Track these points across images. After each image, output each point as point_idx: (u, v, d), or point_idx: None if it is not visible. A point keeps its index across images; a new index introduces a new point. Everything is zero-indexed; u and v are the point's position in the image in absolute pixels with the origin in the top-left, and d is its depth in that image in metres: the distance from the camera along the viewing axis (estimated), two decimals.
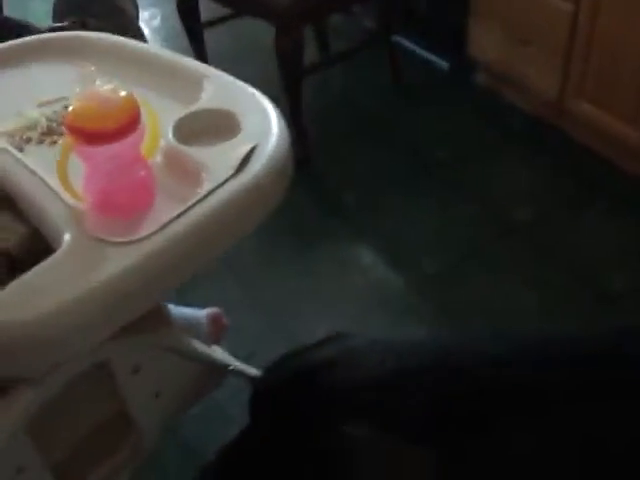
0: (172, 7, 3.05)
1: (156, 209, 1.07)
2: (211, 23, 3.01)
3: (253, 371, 1.52)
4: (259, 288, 2.27)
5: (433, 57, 3.25)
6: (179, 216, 1.01)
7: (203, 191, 1.05)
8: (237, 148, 1.12)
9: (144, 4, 3.54)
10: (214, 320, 1.65)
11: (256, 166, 1.10)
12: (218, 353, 1.49)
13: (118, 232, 1.01)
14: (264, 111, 1.22)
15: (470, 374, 1.12)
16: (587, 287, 2.29)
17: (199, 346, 1.36)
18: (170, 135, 1.16)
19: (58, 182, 1.07)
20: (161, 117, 1.19)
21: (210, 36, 3.03)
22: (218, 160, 1.10)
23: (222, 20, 3.05)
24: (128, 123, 0.99)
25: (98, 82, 1.02)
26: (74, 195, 1.05)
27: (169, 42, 3.44)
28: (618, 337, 1.19)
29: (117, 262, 0.96)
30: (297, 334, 2.15)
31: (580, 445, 1.05)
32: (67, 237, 0.99)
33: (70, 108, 1.01)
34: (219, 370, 1.48)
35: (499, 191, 2.64)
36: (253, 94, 1.27)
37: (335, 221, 2.53)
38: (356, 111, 3.02)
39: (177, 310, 1.48)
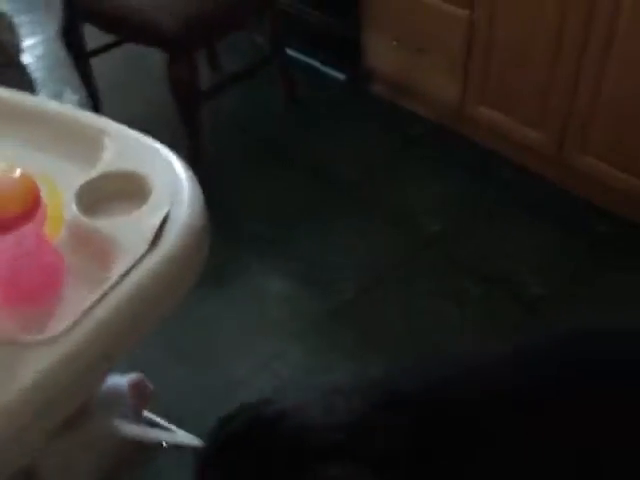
0: (55, 34, 2.90)
1: (69, 296, 0.97)
2: (97, 51, 2.86)
3: (191, 440, 1.42)
4: (178, 337, 2.16)
5: (328, 70, 3.18)
6: (97, 303, 0.91)
7: (118, 272, 0.95)
8: (148, 217, 1.03)
9: (25, 32, 3.38)
10: (137, 388, 1.54)
11: (171, 236, 1.01)
12: (150, 431, 1.39)
13: (29, 329, 0.91)
14: (172, 169, 1.13)
15: (435, 404, 1.09)
16: (507, 295, 2.27)
17: (128, 428, 1.26)
18: (73, 207, 1.05)
19: None
20: (61, 184, 1.08)
21: (97, 62, 2.89)
22: (130, 233, 1.01)
23: (108, 47, 2.90)
24: (28, 208, 0.89)
25: None
26: None
27: (54, 71, 3.29)
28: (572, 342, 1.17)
29: (32, 367, 0.85)
30: (223, 380, 2.06)
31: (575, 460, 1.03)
32: None
33: None
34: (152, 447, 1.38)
35: (410, 204, 2.61)
36: (158, 151, 1.17)
37: (246, 253, 2.43)
38: (254, 134, 2.94)
39: None
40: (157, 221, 1.00)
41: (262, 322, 2.24)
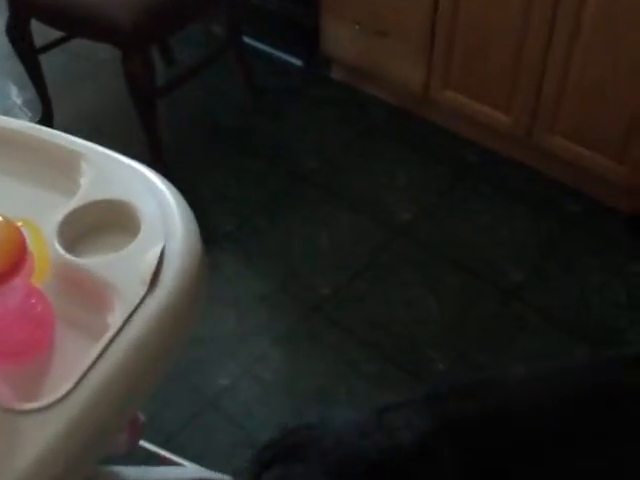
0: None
1: (63, 348, 0.88)
2: (45, 48, 2.73)
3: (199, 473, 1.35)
4: None
5: (286, 56, 3.08)
6: (98, 359, 0.82)
7: (117, 320, 0.86)
8: (141, 253, 0.94)
9: None
10: (130, 425, 1.45)
11: (170, 275, 0.92)
12: (155, 471, 1.31)
13: (24, 392, 0.82)
14: (159, 194, 1.04)
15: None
16: (485, 282, 2.23)
17: (131, 474, 1.18)
18: (57, 245, 0.96)
19: None
20: (38, 219, 0.99)
21: (45, 58, 2.76)
22: (123, 273, 0.92)
23: (58, 43, 2.78)
24: (14, 262, 0.80)
25: None
26: None
27: (0, 70, 3.13)
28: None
29: (33, 440, 0.77)
30: (206, 389, 1.99)
31: None
32: None
33: None
34: None
35: (377, 192, 2.55)
36: (142, 173, 1.08)
37: (217, 253, 2.35)
38: (213, 127, 2.85)
39: None
40: (153, 259, 0.92)
41: (240, 325, 2.16)
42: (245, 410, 1.97)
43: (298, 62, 3.07)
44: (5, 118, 1.21)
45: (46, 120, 2.79)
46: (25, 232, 0.85)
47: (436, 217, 2.45)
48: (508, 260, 2.31)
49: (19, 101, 2.99)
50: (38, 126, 1.18)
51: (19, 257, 0.81)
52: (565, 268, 2.28)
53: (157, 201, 1.03)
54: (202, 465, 1.72)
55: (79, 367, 0.82)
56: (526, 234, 2.39)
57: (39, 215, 0.99)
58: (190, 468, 1.47)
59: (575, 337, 2.11)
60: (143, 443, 1.51)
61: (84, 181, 1.08)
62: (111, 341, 0.85)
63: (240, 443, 1.89)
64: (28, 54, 2.67)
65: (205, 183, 2.60)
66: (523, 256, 2.32)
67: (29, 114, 2.90)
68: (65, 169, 1.10)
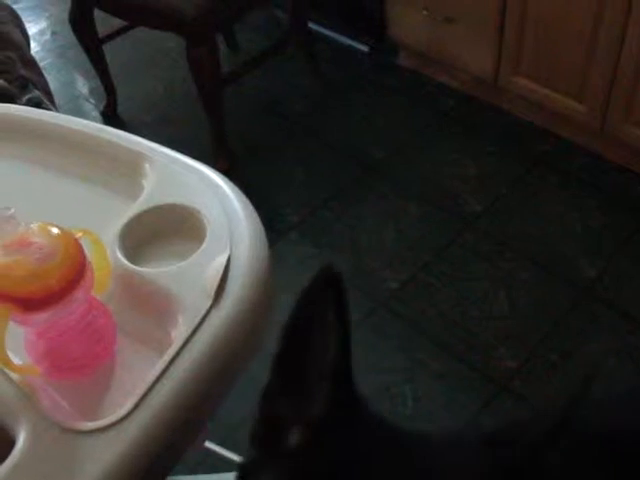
0: (63, 19, 2.76)
1: (124, 361, 0.84)
2: (109, 37, 2.72)
3: None
4: None
5: (352, 42, 3.02)
6: (161, 375, 0.78)
7: (181, 334, 0.82)
8: (206, 263, 0.90)
9: (31, 19, 3.24)
10: None
11: (236, 286, 0.88)
12: None
13: (87, 411, 0.78)
14: (226, 199, 1.00)
15: None
16: (557, 276, 2.17)
17: None
18: (118, 253, 0.92)
19: None
20: (99, 222, 0.95)
21: (109, 47, 2.75)
22: (187, 284, 0.88)
23: (121, 31, 2.76)
24: (74, 276, 0.76)
25: (22, 226, 0.78)
26: (15, 369, 0.81)
27: (64, 59, 3.15)
28: None
29: (95, 462, 0.73)
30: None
31: None
32: (22, 436, 0.76)
33: None
34: None
35: (446, 183, 2.49)
36: (208, 177, 1.03)
37: (281, 243, 2.31)
38: (279, 115, 2.81)
39: None
40: (219, 270, 0.88)
41: None
42: None
43: (364, 48, 3.01)
44: (66, 117, 1.18)
45: (110, 109, 2.79)
46: (84, 243, 0.81)
47: (507, 208, 2.38)
48: (581, 254, 2.23)
49: (84, 90, 2.99)
50: (100, 125, 1.14)
51: (79, 271, 0.78)
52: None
53: (223, 206, 0.98)
54: None
55: (141, 384, 0.79)
56: (600, 227, 2.30)
57: (100, 221, 0.95)
58: None
59: None
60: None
61: (148, 185, 1.04)
62: (175, 357, 0.81)
63: None
64: (92, 43, 2.67)
65: (271, 173, 2.56)
66: (596, 250, 2.24)
67: (94, 103, 2.89)
68: (128, 172, 1.06)
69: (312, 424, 0.63)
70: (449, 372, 1.98)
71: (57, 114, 1.20)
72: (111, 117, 2.81)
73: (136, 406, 0.77)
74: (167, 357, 0.81)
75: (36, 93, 1.90)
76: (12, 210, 0.76)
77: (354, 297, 2.15)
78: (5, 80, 1.84)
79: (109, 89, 2.80)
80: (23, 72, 1.99)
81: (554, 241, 2.27)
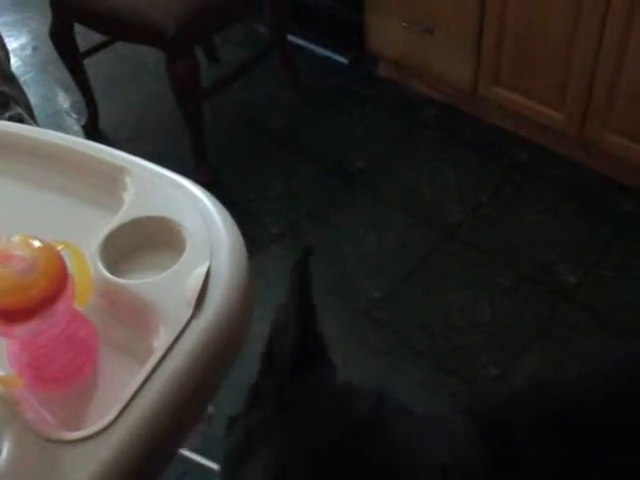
0: (44, 34, 2.77)
1: (107, 372, 0.85)
2: (90, 52, 2.73)
3: None
4: None
5: (331, 54, 3.05)
6: (144, 384, 0.79)
7: (162, 343, 0.83)
8: (187, 274, 0.91)
9: (12, 34, 3.24)
10: None
11: (216, 296, 0.89)
12: None
13: (70, 421, 0.80)
14: (205, 211, 1.01)
15: None
16: (538, 283, 2.18)
17: None
18: (99, 265, 0.93)
19: None
20: (80, 235, 0.96)
21: (89, 62, 2.76)
22: (169, 295, 0.89)
23: (102, 46, 2.77)
24: (55, 288, 0.77)
25: (3, 239, 0.79)
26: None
27: (45, 74, 3.16)
28: None
29: (75, 471, 0.74)
30: None
31: None
32: (6, 447, 0.77)
33: None
34: None
35: (425, 191, 2.51)
36: (188, 190, 1.05)
37: (263, 255, 2.32)
38: (259, 127, 2.82)
39: None
40: (199, 280, 0.89)
41: None
42: None
43: (344, 60, 3.03)
44: (45, 131, 1.19)
45: (92, 123, 2.79)
46: (66, 255, 0.82)
47: (487, 217, 2.41)
48: (561, 261, 2.25)
49: (65, 105, 3.00)
50: (81, 139, 1.15)
51: (60, 283, 0.79)
52: (619, 269, 2.22)
53: (203, 218, 1.00)
54: None
55: (124, 394, 0.80)
56: (579, 234, 2.32)
57: (81, 234, 0.96)
58: None
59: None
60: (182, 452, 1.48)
61: (128, 197, 1.05)
62: (156, 366, 0.82)
63: None
64: (73, 58, 2.68)
65: (252, 185, 2.58)
66: (576, 257, 2.26)
67: (75, 118, 2.89)
68: (109, 185, 1.08)
69: (278, 389, 0.83)
70: (431, 380, 1.99)
71: (38, 129, 1.21)
72: (92, 131, 2.81)
73: (119, 415, 0.79)
74: (149, 366, 0.82)
75: (18, 110, 1.90)
76: None
77: (336, 307, 2.17)
78: None
79: (90, 103, 2.81)
80: (4, 88, 2.00)
81: (534, 248, 2.30)
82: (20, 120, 1.83)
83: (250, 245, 0.97)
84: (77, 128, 2.86)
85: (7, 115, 1.83)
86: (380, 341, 2.09)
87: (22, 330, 0.79)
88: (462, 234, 2.35)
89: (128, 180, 1.08)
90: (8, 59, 2.23)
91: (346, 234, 2.38)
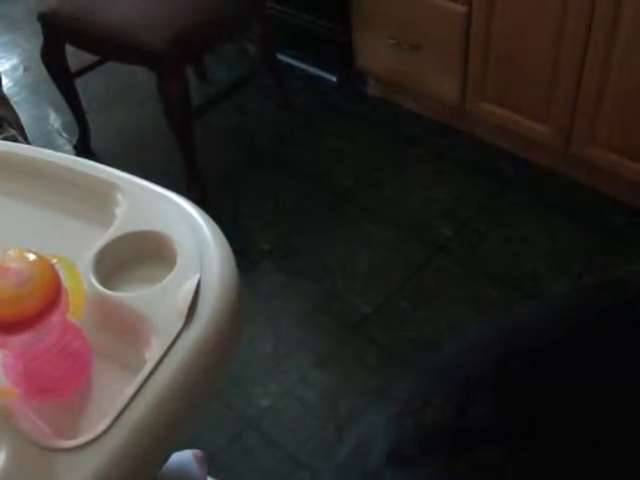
0: (35, 55, 2.80)
1: (100, 383, 0.87)
2: (80, 72, 2.76)
3: None
4: None
5: (320, 73, 3.08)
6: (136, 395, 0.81)
7: (154, 354, 0.85)
8: (178, 287, 0.93)
9: (3, 55, 3.28)
10: (203, 462, 1.44)
11: (206, 308, 0.91)
12: None
13: (65, 430, 0.81)
14: (195, 225, 1.03)
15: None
16: (528, 297, 2.19)
17: None
18: (92, 279, 0.95)
19: None
20: (73, 250, 0.98)
21: (80, 82, 2.79)
22: (160, 307, 0.91)
23: (93, 66, 2.80)
24: (50, 300, 0.79)
25: None
26: None
27: (36, 94, 3.19)
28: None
29: (75, 477, 0.76)
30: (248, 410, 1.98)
31: None
32: (2, 456, 0.79)
33: None
34: None
35: (415, 208, 2.54)
36: (178, 205, 1.07)
37: (254, 271, 2.34)
38: (249, 145, 2.85)
39: None
40: (189, 292, 0.91)
41: (280, 345, 2.16)
42: (286, 431, 1.96)
43: (333, 78, 3.06)
44: (38, 149, 1.21)
45: (83, 143, 2.82)
46: (60, 269, 0.84)
47: (476, 231, 2.43)
48: (550, 274, 2.27)
49: (56, 125, 3.02)
50: (73, 157, 1.17)
51: (54, 296, 0.81)
52: None
53: (193, 232, 1.02)
54: None
55: (116, 404, 0.82)
56: (567, 246, 2.35)
57: (75, 248, 0.98)
58: None
59: None
60: None
61: (120, 213, 1.07)
62: (148, 377, 0.84)
63: (282, 464, 1.88)
64: (64, 78, 2.70)
65: (243, 203, 2.60)
66: (565, 269, 2.29)
67: (66, 138, 2.92)
68: (101, 201, 1.10)
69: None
70: None
71: (34, 147, 1.24)
72: (84, 151, 2.84)
73: (112, 424, 0.80)
74: (141, 377, 0.84)
75: (11, 132, 1.93)
76: None
77: (327, 323, 2.19)
78: None
79: (81, 123, 2.84)
80: None
81: (523, 261, 2.32)
82: (14, 142, 1.85)
83: (241, 261, 0.99)
84: (68, 148, 2.89)
85: (1, 137, 1.85)
86: (371, 356, 2.11)
87: (17, 341, 0.81)
88: (452, 249, 2.38)
89: (120, 196, 1.10)
90: (0, 80, 2.26)
91: (336, 250, 2.41)
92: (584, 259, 2.33)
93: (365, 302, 2.25)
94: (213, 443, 1.93)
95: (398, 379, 1.99)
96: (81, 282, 0.90)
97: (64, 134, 3.00)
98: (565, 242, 2.38)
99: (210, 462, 1.77)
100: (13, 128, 2.00)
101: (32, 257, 0.83)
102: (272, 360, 2.13)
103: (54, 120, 3.09)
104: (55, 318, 0.82)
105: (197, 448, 1.57)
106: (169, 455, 0.87)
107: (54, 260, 0.85)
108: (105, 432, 0.80)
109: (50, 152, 1.22)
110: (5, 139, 1.87)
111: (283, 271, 2.39)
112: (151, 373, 0.85)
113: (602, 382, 0.92)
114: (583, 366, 0.95)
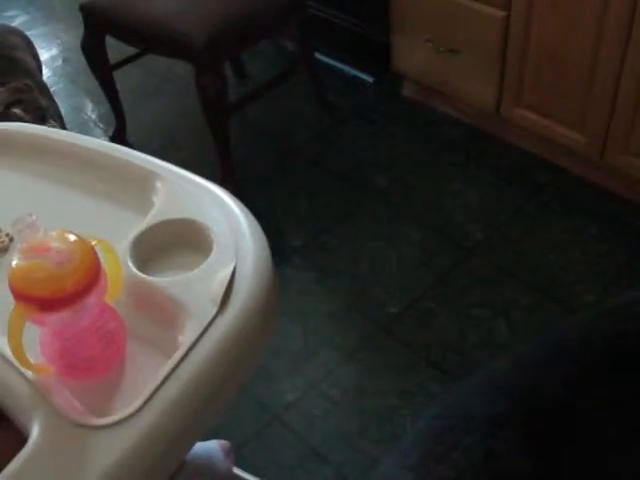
0: (74, 46, 2.83)
1: (134, 364, 0.89)
2: (120, 64, 2.79)
3: None
4: None
5: (357, 72, 3.09)
6: (168, 377, 0.83)
7: (187, 339, 0.87)
8: (213, 274, 0.95)
9: (43, 46, 3.32)
10: (229, 452, 1.45)
11: (240, 296, 0.93)
12: None
13: (96, 407, 0.83)
14: (232, 214, 1.05)
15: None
16: (557, 303, 2.19)
17: None
18: (130, 264, 0.97)
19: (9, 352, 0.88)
20: (112, 234, 1.00)
21: (119, 74, 2.81)
22: (195, 293, 0.93)
23: (132, 58, 2.83)
24: (89, 280, 0.81)
25: (41, 232, 0.83)
26: (30, 367, 0.86)
27: (75, 84, 3.22)
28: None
29: (103, 455, 0.78)
30: (272, 404, 2.03)
31: None
32: (35, 431, 0.80)
33: (14, 264, 0.82)
34: None
35: (447, 210, 2.54)
36: (216, 194, 1.09)
37: (285, 268, 2.36)
38: (285, 143, 2.86)
39: None
40: (224, 279, 0.92)
41: (308, 341, 2.17)
42: (310, 425, 1.97)
43: (369, 79, 3.07)
44: (83, 137, 1.24)
45: (119, 134, 2.85)
46: (99, 251, 0.86)
47: (507, 236, 2.43)
48: (580, 281, 2.27)
49: (94, 115, 3.06)
50: (115, 145, 1.19)
51: (93, 276, 0.82)
52: None
53: (229, 221, 1.03)
54: None
55: (149, 384, 0.83)
56: (598, 254, 2.34)
57: (114, 233, 1.00)
58: None
59: None
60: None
61: (158, 200, 1.09)
62: (181, 360, 0.85)
63: (304, 458, 1.89)
64: (103, 70, 2.73)
65: (276, 199, 2.62)
66: (595, 277, 2.28)
67: (103, 128, 2.95)
68: (140, 188, 1.12)
69: None
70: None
71: (81, 136, 1.26)
72: (120, 142, 2.85)
73: (145, 404, 0.82)
74: (175, 359, 0.86)
75: (52, 123, 1.96)
76: (34, 217, 0.81)
77: (355, 321, 2.20)
78: (24, 109, 1.90)
79: (118, 115, 2.86)
80: (41, 102, 2.06)
81: (553, 268, 2.32)
82: None
83: (272, 256, 1.01)
84: (105, 138, 2.92)
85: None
86: (397, 356, 2.11)
87: (55, 319, 0.83)
88: (481, 252, 2.38)
89: (158, 184, 1.12)
90: (40, 70, 2.30)
91: (366, 249, 2.42)
92: (615, 268, 2.32)
93: (393, 302, 2.26)
94: (237, 435, 1.94)
95: (421, 378, 2.00)
96: (119, 265, 0.92)
97: (100, 125, 3.04)
98: (596, 250, 2.37)
99: (234, 454, 1.79)
100: (54, 119, 2.03)
101: (73, 238, 0.85)
102: (300, 355, 2.15)
103: (91, 111, 3.12)
104: (93, 299, 0.83)
105: (222, 439, 1.59)
106: (195, 440, 0.88)
107: (94, 242, 0.86)
108: (137, 411, 0.82)
109: (97, 141, 1.25)
110: None
111: (314, 268, 2.40)
112: (185, 356, 0.86)
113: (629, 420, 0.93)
114: (608, 403, 0.96)
